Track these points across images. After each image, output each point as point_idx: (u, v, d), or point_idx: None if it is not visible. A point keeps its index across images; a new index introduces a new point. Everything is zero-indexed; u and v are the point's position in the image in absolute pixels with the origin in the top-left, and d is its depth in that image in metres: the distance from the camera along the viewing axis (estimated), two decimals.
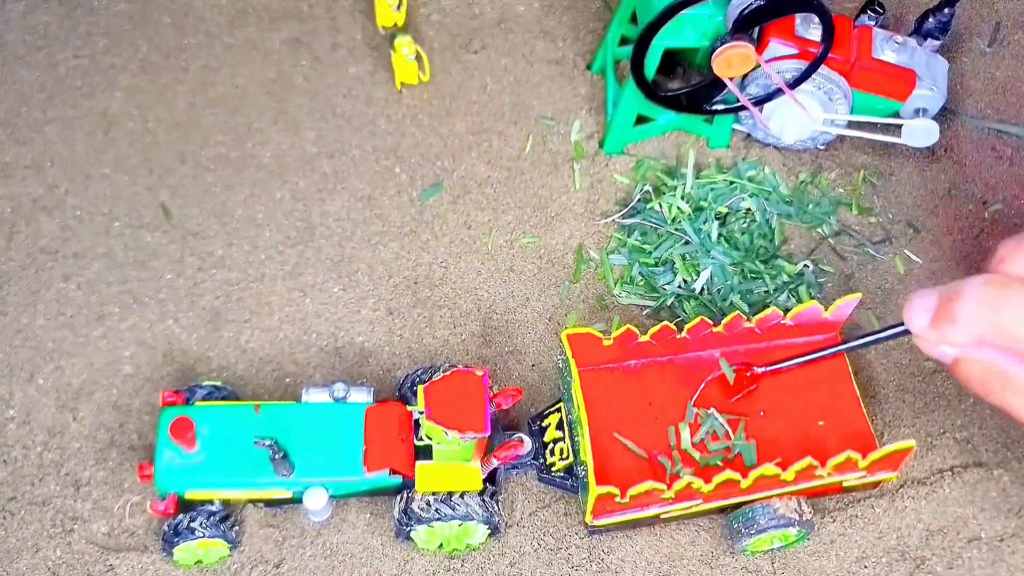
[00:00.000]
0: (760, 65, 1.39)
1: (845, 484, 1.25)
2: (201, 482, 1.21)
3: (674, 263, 1.42)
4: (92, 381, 1.36)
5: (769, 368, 1.30)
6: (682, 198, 1.47)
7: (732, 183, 1.49)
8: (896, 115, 1.49)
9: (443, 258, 1.47)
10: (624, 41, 1.57)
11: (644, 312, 1.43)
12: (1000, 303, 0.95)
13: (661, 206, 1.46)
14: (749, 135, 1.57)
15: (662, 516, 1.23)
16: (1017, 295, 0.94)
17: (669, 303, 1.42)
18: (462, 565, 1.26)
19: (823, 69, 1.42)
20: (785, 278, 1.44)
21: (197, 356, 1.39)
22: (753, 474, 1.18)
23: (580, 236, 1.49)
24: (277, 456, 1.18)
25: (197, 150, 1.55)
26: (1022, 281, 0.96)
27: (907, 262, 1.48)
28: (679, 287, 1.42)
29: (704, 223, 1.44)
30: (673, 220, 1.45)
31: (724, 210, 1.46)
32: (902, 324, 1.07)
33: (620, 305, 1.44)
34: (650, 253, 1.44)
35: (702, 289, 1.41)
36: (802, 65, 1.41)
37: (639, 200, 1.48)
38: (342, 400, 1.26)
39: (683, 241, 1.43)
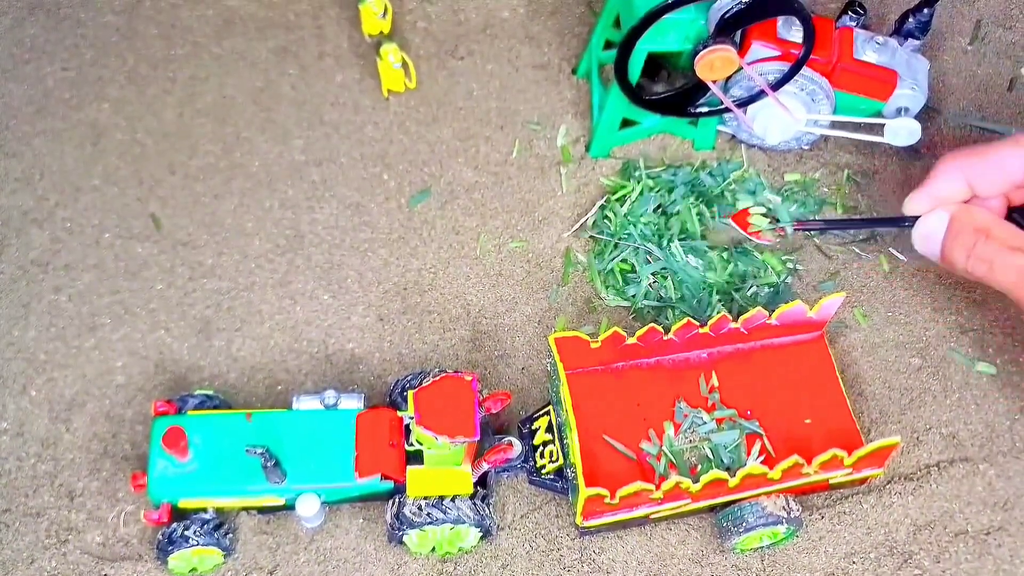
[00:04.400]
0: (743, 67, 1.40)
1: (832, 481, 1.26)
2: (194, 491, 1.22)
3: (635, 270, 1.44)
4: (85, 392, 1.37)
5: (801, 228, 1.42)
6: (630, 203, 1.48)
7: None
8: (879, 114, 1.51)
9: (432, 264, 1.48)
10: (608, 45, 1.58)
11: (631, 315, 1.44)
12: (968, 168, 1.28)
13: (608, 216, 1.48)
14: (734, 136, 1.58)
15: (652, 516, 1.25)
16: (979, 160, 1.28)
17: (651, 307, 1.43)
18: (455, 568, 1.27)
19: (805, 70, 1.43)
20: (773, 278, 1.45)
21: (189, 365, 1.40)
22: (741, 473, 1.19)
23: (568, 240, 1.50)
24: (269, 464, 1.19)
25: (186, 160, 1.56)
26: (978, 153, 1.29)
27: (891, 260, 1.50)
28: (657, 299, 1.43)
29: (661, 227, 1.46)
30: (620, 229, 1.46)
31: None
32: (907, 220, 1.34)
33: (608, 308, 1.45)
34: (607, 262, 1.45)
35: (681, 297, 1.42)
36: (784, 67, 1.42)
37: (599, 207, 1.50)
38: (333, 407, 1.27)
39: (633, 248, 1.44)
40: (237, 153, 1.57)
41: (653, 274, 1.43)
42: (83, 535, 1.28)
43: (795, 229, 1.43)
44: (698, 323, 1.31)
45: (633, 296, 1.43)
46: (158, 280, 1.46)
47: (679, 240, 1.44)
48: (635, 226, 1.45)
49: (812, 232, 1.48)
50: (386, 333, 1.43)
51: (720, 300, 1.42)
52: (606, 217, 1.49)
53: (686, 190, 1.50)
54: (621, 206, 1.48)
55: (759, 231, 1.42)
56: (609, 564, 1.27)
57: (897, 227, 1.40)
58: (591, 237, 1.49)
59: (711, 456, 1.28)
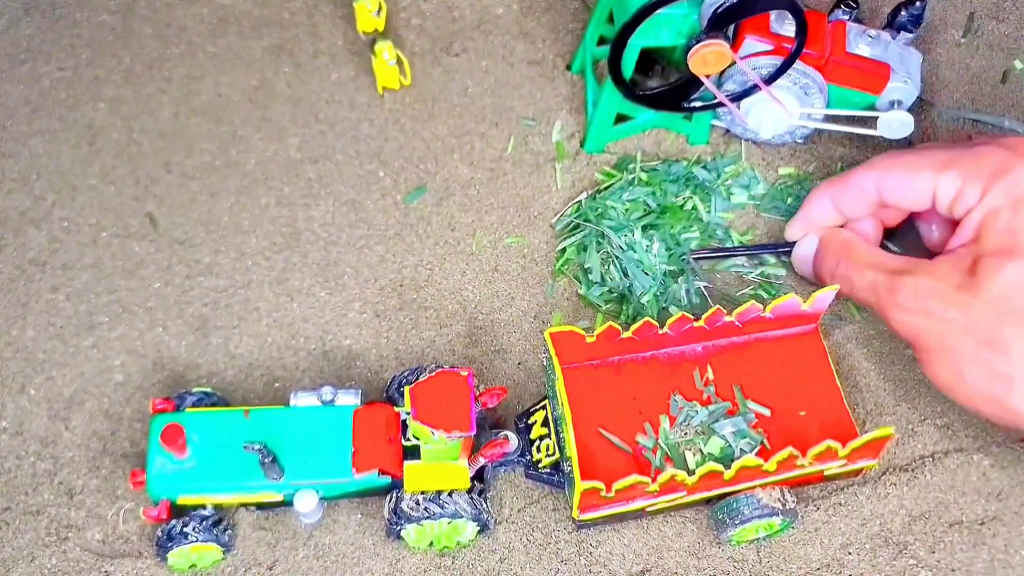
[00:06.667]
0: (736, 62, 1.41)
1: (827, 473, 1.27)
2: (193, 487, 1.23)
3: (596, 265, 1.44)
4: (83, 390, 1.38)
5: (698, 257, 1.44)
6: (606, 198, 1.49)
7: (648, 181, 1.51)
8: (872, 108, 1.51)
9: (428, 260, 1.49)
10: (602, 41, 1.59)
11: (612, 306, 1.45)
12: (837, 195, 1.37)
13: (582, 207, 1.49)
14: (728, 131, 1.58)
15: (648, 509, 1.25)
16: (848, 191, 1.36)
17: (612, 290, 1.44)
18: (453, 562, 1.28)
19: (798, 64, 1.44)
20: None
21: (187, 363, 1.40)
22: (736, 465, 1.20)
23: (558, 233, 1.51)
24: (267, 460, 1.19)
25: (182, 159, 1.56)
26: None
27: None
28: (616, 288, 1.44)
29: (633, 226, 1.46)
30: (583, 216, 1.47)
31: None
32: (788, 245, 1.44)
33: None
34: (584, 257, 1.46)
35: (641, 294, 1.42)
36: (777, 61, 1.43)
37: (586, 197, 1.50)
38: (330, 403, 1.28)
39: (591, 231, 1.45)
40: (233, 151, 1.57)
41: (602, 261, 1.43)
42: (83, 532, 1.29)
43: (693, 258, 1.45)
44: (693, 317, 1.31)
45: (598, 293, 1.44)
46: (155, 278, 1.46)
47: (663, 230, 1.45)
48: (600, 212, 1.45)
49: (710, 259, 1.47)
50: (383, 329, 1.44)
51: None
52: (578, 205, 1.49)
53: (680, 185, 1.50)
54: (600, 194, 1.49)
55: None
56: (606, 557, 1.28)
57: (780, 251, 1.46)
58: (559, 228, 1.49)
59: (731, 444, 1.28)
